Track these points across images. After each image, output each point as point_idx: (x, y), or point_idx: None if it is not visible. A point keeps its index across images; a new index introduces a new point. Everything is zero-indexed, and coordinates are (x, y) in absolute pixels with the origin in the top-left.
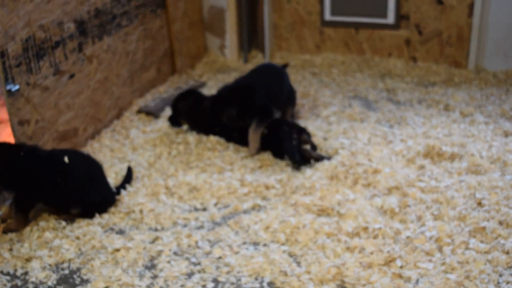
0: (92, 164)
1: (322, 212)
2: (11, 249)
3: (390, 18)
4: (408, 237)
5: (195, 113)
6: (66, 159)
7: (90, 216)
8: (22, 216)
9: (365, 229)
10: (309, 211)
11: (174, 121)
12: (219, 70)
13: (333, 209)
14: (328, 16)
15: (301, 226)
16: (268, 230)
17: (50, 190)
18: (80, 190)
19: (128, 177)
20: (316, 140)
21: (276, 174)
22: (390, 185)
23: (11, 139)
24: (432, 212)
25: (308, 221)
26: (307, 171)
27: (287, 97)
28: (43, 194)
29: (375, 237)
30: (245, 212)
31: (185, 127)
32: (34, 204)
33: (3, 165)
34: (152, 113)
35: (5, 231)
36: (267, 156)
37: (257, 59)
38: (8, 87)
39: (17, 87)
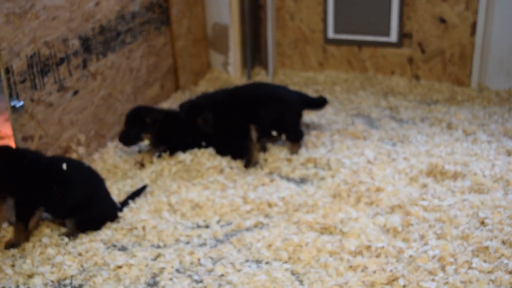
0: (92, 177)
1: (325, 230)
2: (13, 265)
3: (393, 37)
4: (411, 256)
5: (167, 125)
6: (64, 166)
7: (85, 229)
8: (23, 226)
9: (368, 247)
10: (311, 229)
11: (132, 137)
12: (222, 87)
13: (335, 227)
14: (331, 34)
15: (304, 244)
16: (271, 248)
17: (46, 198)
18: (77, 202)
19: (135, 194)
20: (319, 157)
21: (279, 191)
22: (393, 204)
23: None
24: (435, 231)
25: (311, 239)
26: (310, 189)
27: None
28: (41, 201)
29: (378, 256)
30: (247, 229)
31: (146, 142)
32: (34, 212)
33: (4, 170)
34: None
35: (6, 247)
36: (269, 173)
37: (260, 76)
38: (12, 103)
39: (21, 103)
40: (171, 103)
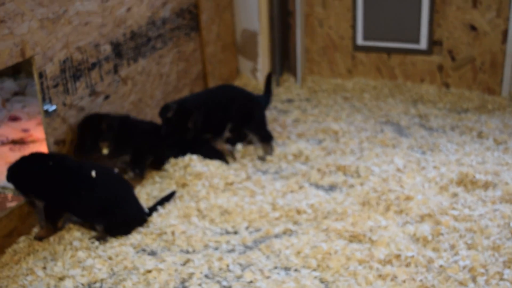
0: (120, 182)
1: (354, 238)
2: (44, 268)
3: (423, 44)
4: (441, 266)
5: (126, 131)
6: (93, 173)
7: (114, 233)
8: (52, 225)
9: (398, 256)
10: (340, 237)
11: (88, 146)
12: None
13: (365, 235)
14: (360, 41)
15: (333, 252)
16: (300, 255)
17: (75, 202)
18: (104, 207)
19: (165, 199)
20: (348, 164)
21: (308, 199)
22: (423, 213)
23: None
24: (466, 241)
25: (340, 247)
26: (339, 197)
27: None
28: (68, 205)
29: (408, 265)
30: (276, 236)
31: (104, 151)
32: (62, 214)
33: (33, 174)
34: None
35: (35, 238)
36: (297, 180)
37: (289, 83)
38: (45, 107)
39: (54, 107)
40: None
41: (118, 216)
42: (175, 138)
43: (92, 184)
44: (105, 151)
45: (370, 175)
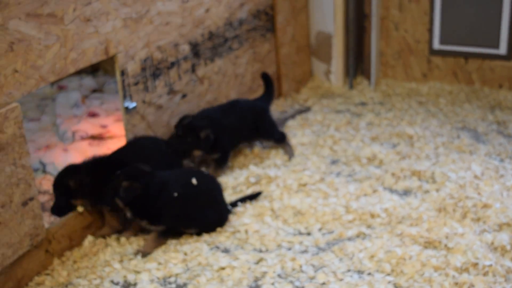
0: (213, 183)
1: (429, 244)
2: (121, 260)
3: (503, 49)
4: None
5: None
6: (194, 180)
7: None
8: (163, 241)
9: (475, 265)
10: (415, 243)
11: (63, 207)
12: (323, 95)
13: (440, 242)
14: (436, 45)
15: (407, 258)
16: (373, 259)
17: (170, 210)
18: (201, 212)
19: (248, 198)
20: (424, 170)
21: (382, 203)
22: (501, 221)
23: None
24: None
25: (415, 252)
26: (414, 202)
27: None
28: (180, 221)
29: (485, 274)
30: (349, 239)
31: (79, 209)
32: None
33: (145, 196)
34: None
35: (136, 254)
36: (371, 183)
37: (362, 86)
38: (125, 104)
39: (134, 104)
40: (273, 109)
41: (211, 218)
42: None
43: (191, 191)
44: (80, 209)
45: (447, 181)
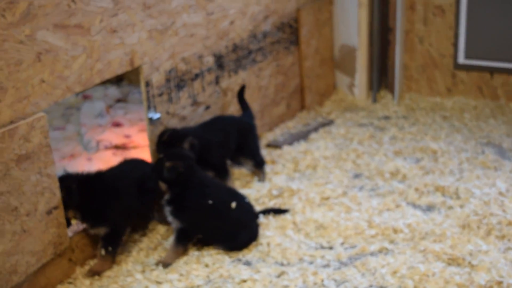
0: (248, 204)
1: (453, 261)
2: (143, 271)
3: None
4: None
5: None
6: (233, 204)
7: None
8: (181, 249)
9: (499, 283)
10: (439, 259)
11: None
12: (347, 108)
13: (464, 259)
14: (461, 59)
15: (431, 274)
16: (396, 275)
17: (210, 227)
18: (235, 231)
19: (274, 211)
20: (447, 185)
21: (405, 218)
22: None
23: None
24: None
25: (438, 269)
26: (437, 218)
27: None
28: (203, 230)
29: None
30: (372, 254)
31: (74, 221)
32: (192, 237)
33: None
34: (280, 147)
35: (157, 264)
36: (394, 198)
37: (386, 99)
38: (150, 115)
39: (158, 115)
40: (296, 122)
41: (244, 237)
42: None
43: (228, 211)
44: (74, 221)
45: (471, 197)
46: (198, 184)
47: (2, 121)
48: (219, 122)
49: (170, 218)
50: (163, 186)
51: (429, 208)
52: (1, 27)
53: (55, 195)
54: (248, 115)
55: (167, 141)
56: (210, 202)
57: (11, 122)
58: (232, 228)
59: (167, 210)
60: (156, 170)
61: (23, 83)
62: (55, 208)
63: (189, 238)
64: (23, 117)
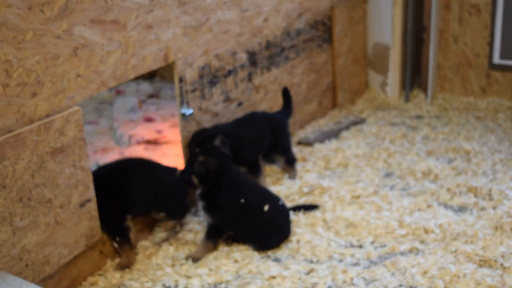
0: (282, 206)
1: (484, 263)
2: (173, 265)
3: None
4: None
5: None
6: (266, 208)
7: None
8: (211, 245)
9: None
10: (470, 260)
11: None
12: (379, 107)
13: (496, 261)
14: (497, 59)
15: (462, 275)
16: (426, 275)
17: (241, 226)
18: (267, 232)
19: (303, 208)
20: (480, 186)
21: (436, 218)
22: None
23: (178, 160)
24: None
25: (469, 271)
26: (469, 219)
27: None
28: (234, 228)
29: None
30: (402, 254)
31: None
32: (223, 234)
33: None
34: (311, 145)
35: (187, 258)
36: (426, 198)
37: (419, 99)
38: (182, 111)
39: (191, 111)
40: (328, 120)
41: (275, 240)
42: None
43: (260, 213)
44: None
45: (504, 198)
46: (231, 182)
47: (38, 115)
48: (252, 119)
49: (202, 213)
50: (195, 180)
51: (461, 209)
52: (39, 22)
53: (89, 188)
54: (284, 112)
55: (198, 140)
56: (242, 201)
57: (47, 116)
58: (264, 230)
59: (200, 204)
60: (190, 163)
61: (60, 77)
62: (88, 201)
63: (220, 234)
64: (59, 110)
